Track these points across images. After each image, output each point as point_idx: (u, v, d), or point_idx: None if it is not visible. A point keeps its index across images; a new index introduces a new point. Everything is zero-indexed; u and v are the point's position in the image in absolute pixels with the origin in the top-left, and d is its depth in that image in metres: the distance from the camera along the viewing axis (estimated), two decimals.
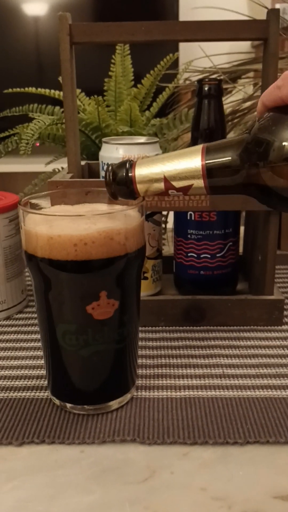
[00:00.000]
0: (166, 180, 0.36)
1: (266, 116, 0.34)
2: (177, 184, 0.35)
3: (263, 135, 0.33)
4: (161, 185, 0.36)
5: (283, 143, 0.32)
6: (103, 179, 0.38)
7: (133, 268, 0.39)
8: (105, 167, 0.54)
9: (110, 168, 0.38)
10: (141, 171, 0.36)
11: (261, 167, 0.33)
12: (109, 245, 0.36)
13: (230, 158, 0.34)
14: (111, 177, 0.37)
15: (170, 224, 0.66)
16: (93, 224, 0.36)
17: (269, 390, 0.43)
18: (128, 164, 0.37)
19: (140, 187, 0.37)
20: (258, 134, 0.33)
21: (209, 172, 0.35)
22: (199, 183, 0.35)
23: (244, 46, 1.53)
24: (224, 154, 0.35)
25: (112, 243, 0.36)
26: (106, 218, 0.37)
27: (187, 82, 0.82)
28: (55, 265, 0.36)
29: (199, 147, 0.35)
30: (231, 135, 0.72)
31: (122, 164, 0.37)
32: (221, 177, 0.35)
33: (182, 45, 1.62)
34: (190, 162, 0.35)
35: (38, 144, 0.74)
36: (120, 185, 0.37)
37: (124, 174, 0.37)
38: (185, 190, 0.36)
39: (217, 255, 0.54)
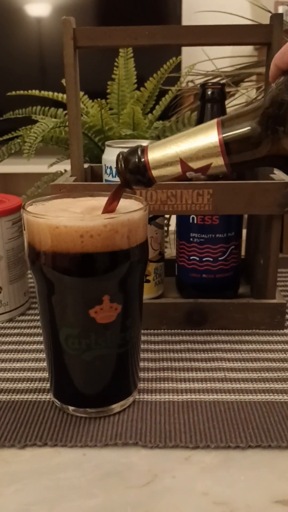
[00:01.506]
0: (182, 162, 0.33)
1: (282, 79, 0.32)
2: (195, 165, 0.33)
3: (283, 97, 0.31)
4: (178, 168, 0.33)
5: None
6: (115, 169, 0.35)
7: (136, 271, 0.39)
8: (108, 170, 0.54)
9: (121, 156, 0.35)
10: (154, 156, 0.34)
11: (283, 132, 0.31)
12: (113, 238, 0.36)
13: (249, 127, 0.32)
14: (123, 165, 0.35)
15: (172, 226, 0.66)
16: (99, 216, 0.37)
17: (271, 394, 0.43)
18: (139, 150, 0.34)
19: (155, 173, 0.34)
20: (277, 97, 0.31)
21: (227, 146, 0.32)
22: (219, 160, 0.32)
23: (246, 49, 1.53)
24: (242, 124, 0.32)
25: (116, 236, 0.36)
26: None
27: (190, 84, 0.82)
28: (60, 263, 0.36)
29: (213, 121, 0.33)
30: None
31: (134, 150, 0.35)
32: (242, 150, 0.32)
33: (185, 48, 1.62)
34: (205, 138, 0.32)
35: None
36: (134, 173, 0.34)
37: (137, 160, 0.34)
38: (204, 170, 0.33)
39: (219, 258, 0.55)
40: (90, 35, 0.53)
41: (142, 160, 0.34)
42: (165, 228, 0.70)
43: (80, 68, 0.55)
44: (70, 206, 0.40)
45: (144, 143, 0.57)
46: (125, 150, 0.36)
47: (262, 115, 0.32)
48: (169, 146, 0.34)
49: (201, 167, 0.33)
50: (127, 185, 0.36)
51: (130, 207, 0.39)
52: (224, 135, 0.32)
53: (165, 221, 0.68)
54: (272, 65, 0.34)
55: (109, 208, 0.38)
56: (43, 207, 0.40)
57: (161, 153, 0.34)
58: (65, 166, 0.70)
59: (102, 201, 0.41)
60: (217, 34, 0.52)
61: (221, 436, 0.38)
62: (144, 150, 0.34)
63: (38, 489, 0.34)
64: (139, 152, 0.34)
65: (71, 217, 0.37)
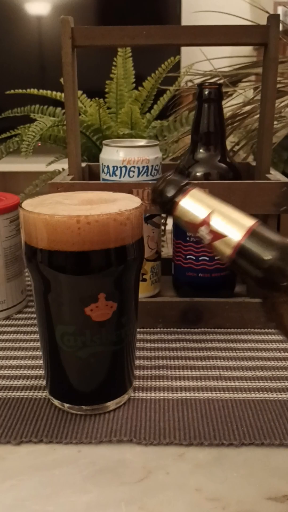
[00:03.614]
0: (207, 217, 0.34)
1: None
2: (212, 232, 0.33)
3: None
4: (199, 218, 0.34)
5: None
6: (152, 191, 0.37)
7: (132, 269, 0.39)
8: (105, 169, 0.55)
9: (163, 182, 0.36)
10: (186, 206, 0.35)
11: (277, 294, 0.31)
12: (111, 226, 0.36)
13: (265, 258, 0.31)
14: (159, 189, 0.36)
15: (170, 226, 0.66)
16: (97, 207, 0.37)
17: (265, 392, 0.43)
18: (180, 190, 0.35)
19: (176, 214, 0.35)
20: None
21: (239, 254, 0.32)
22: (227, 251, 0.33)
23: (245, 49, 1.53)
24: (263, 251, 0.32)
25: (114, 224, 0.36)
26: (108, 203, 0.38)
27: (189, 84, 0.83)
28: (56, 261, 0.36)
29: (251, 222, 0.33)
30: (231, 139, 0.73)
31: (176, 184, 0.35)
32: (245, 269, 0.33)
33: (184, 48, 1.62)
34: (232, 230, 0.33)
35: (39, 144, 0.74)
36: (162, 202, 0.36)
37: (170, 196, 0.35)
38: (211, 246, 0.34)
39: (216, 257, 0.55)
40: (88, 34, 0.53)
41: (175, 200, 0.35)
42: (162, 228, 0.70)
43: (79, 67, 0.55)
44: (66, 199, 0.40)
45: (141, 142, 0.57)
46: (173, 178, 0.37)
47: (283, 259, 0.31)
48: (209, 201, 0.35)
49: (213, 237, 0.34)
50: (153, 201, 0.37)
51: (127, 199, 0.40)
52: (244, 243, 0.32)
53: (162, 220, 0.69)
54: None
55: None
56: (39, 200, 0.40)
57: (194, 209, 0.35)
58: (63, 165, 0.70)
59: (98, 194, 0.41)
60: (214, 34, 0.53)
61: (214, 433, 0.38)
62: (184, 193, 0.35)
63: (33, 484, 0.34)
64: (177, 192, 0.35)
65: (67, 206, 0.38)
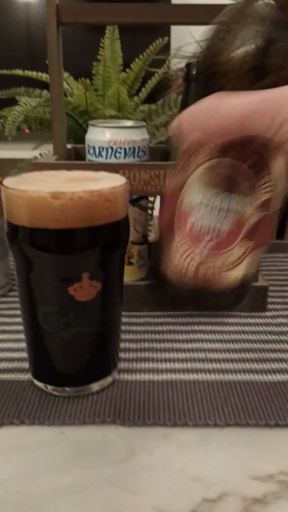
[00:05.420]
0: None
1: None
2: None
3: None
4: None
5: None
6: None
7: (116, 248, 0.38)
8: (91, 150, 0.54)
9: None
10: None
11: None
12: (94, 203, 0.35)
13: None
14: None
15: (157, 211, 0.65)
16: (81, 184, 0.36)
17: (250, 374, 0.43)
18: None
19: None
20: None
21: None
22: None
23: None
24: None
25: (98, 200, 0.35)
26: (93, 181, 0.38)
27: (178, 67, 0.82)
28: (38, 239, 0.35)
29: None
30: None
31: None
32: None
33: (174, 31, 1.60)
34: None
35: (27, 131, 0.73)
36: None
37: None
38: None
39: None
40: (74, 11, 0.52)
41: None
42: (149, 212, 0.69)
43: (66, 49, 0.54)
44: (50, 177, 0.39)
45: (129, 123, 0.56)
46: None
47: None
48: None
49: None
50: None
51: (112, 178, 0.39)
52: None
53: (149, 204, 0.68)
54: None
55: None
56: (21, 178, 0.39)
57: None
58: (49, 149, 0.69)
59: (83, 173, 0.40)
60: (205, 13, 0.51)
61: (199, 414, 0.38)
62: None
63: (13, 465, 0.34)
64: None
65: (51, 184, 0.37)
